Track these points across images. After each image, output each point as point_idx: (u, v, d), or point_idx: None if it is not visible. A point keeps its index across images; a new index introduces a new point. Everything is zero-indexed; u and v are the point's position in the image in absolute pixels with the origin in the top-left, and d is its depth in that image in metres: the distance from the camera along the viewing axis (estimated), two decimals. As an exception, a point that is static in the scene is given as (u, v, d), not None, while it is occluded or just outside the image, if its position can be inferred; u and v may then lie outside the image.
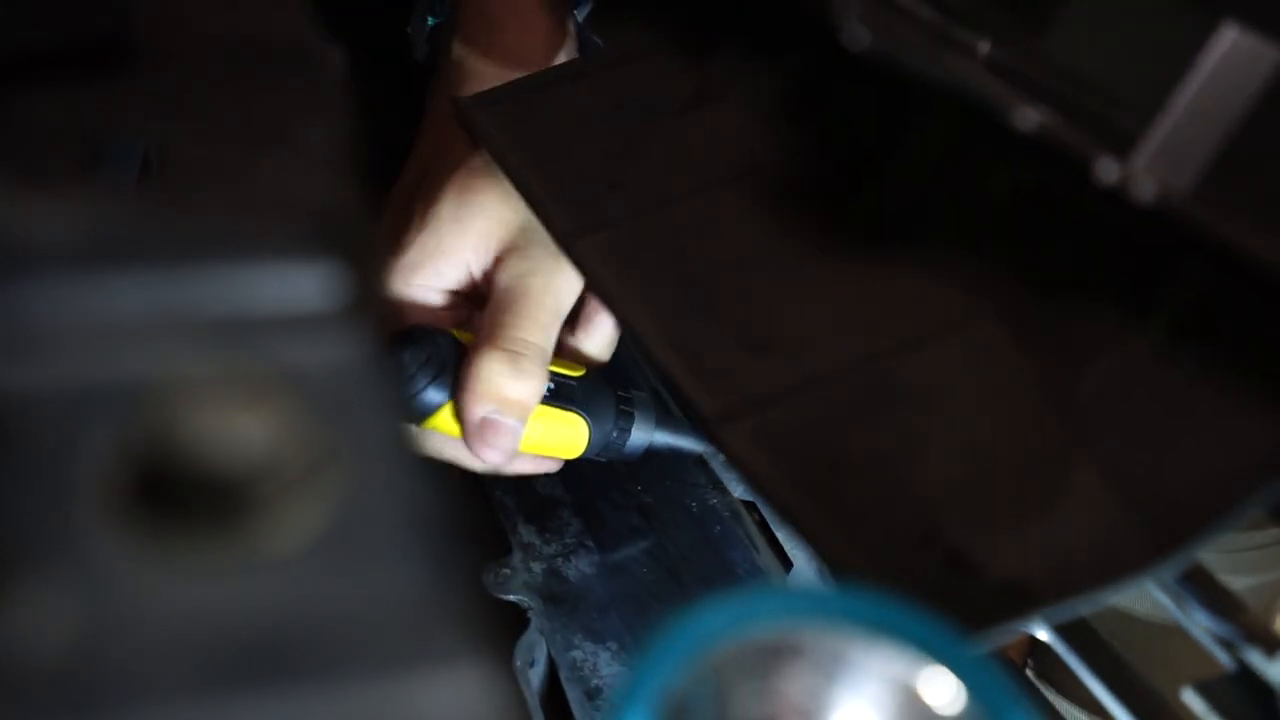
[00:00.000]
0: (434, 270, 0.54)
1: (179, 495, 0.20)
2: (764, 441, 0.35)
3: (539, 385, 0.51)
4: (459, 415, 0.51)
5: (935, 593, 0.31)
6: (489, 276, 0.54)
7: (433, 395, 0.52)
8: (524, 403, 0.51)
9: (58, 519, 0.19)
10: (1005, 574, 0.31)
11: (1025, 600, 0.31)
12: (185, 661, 0.18)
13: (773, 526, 0.59)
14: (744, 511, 0.62)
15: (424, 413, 0.52)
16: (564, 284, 0.52)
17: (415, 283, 0.54)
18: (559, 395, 0.54)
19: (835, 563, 0.33)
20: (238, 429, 0.20)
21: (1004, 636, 0.37)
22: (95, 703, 0.17)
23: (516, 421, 0.51)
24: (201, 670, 0.18)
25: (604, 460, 0.57)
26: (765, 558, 0.59)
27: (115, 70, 0.29)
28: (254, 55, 0.32)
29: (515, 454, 0.52)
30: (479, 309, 0.56)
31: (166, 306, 0.22)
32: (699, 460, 0.64)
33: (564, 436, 0.55)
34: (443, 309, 0.55)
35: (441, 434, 0.53)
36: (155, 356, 0.21)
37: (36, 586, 0.18)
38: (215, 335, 0.22)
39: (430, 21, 0.60)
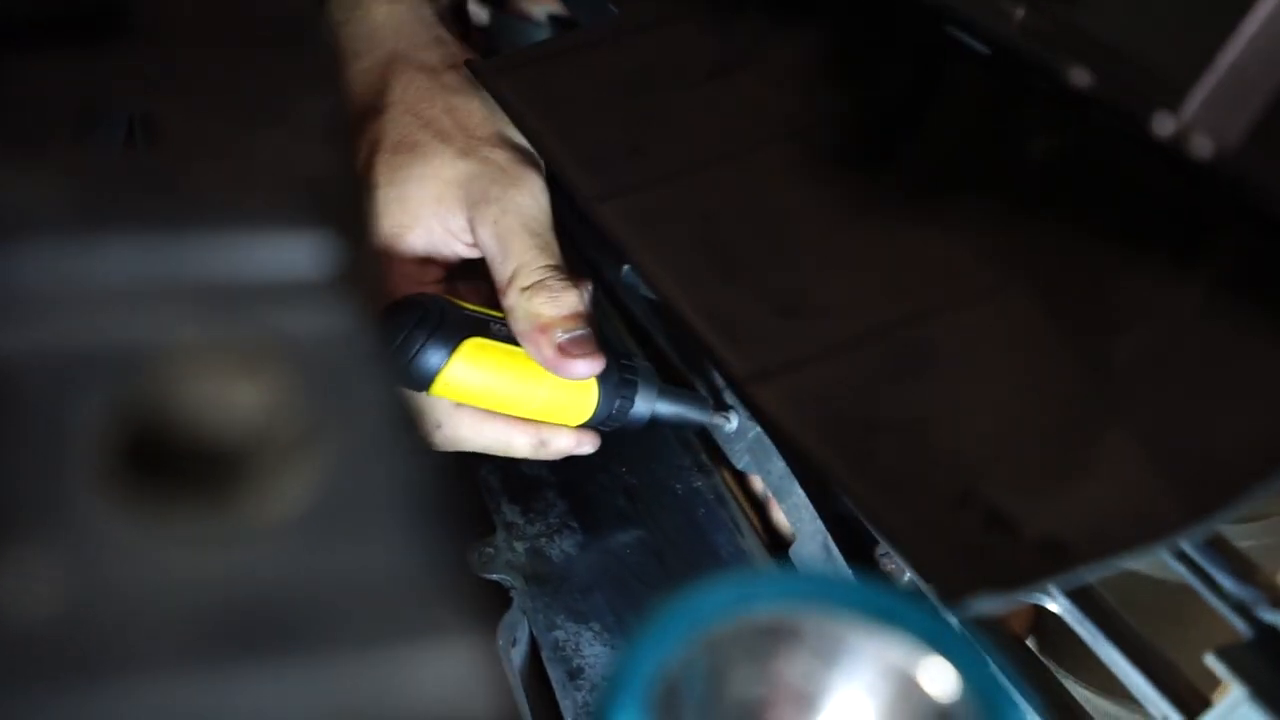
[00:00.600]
0: (404, 246, 0.55)
1: (170, 462, 0.20)
2: (797, 401, 0.36)
3: (576, 292, 0.52)
4: (538, 357, 0.52)
5: (974, 550, 0.31)
6: (472, 234, 0.54)
7: (431, 358, 0.51)
8: (576, 312, 0.52)
9: (48, 484, 0.19)
10: (1043, 532, 0.31)
11: (1063, 558, 0.31)
12: (174, 630, 0.18)
13: (775, 498, 0.59)
14: (729, 495, 0.62)
15: (424, 377, 0.51)
16: (533, 203, 0.52)
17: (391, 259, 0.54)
18: None
19: (873, 520, 0.33)
20: (229, 397, 0.20)
21: (1036, 594, 0.37)
22: (85, 670, 0.17)
23: (583, 329, 0.52)
24: (191, 639, 0.18)
25: (607, 430, 0.57)
26: (750, 541, 0.59)
27: (110, 40, 0.29)
28: (249, 26, 0.31)
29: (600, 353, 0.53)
30: (457, 270, 0.56)
31: (159, 273, 0.22)
32: (685, 443, 0.64)
33: (573, 398, 0.54)
34: (427, 280, 0.55)
35: (447, 401, 0.53)
36: (147, 323, 0.21)
37: (26, 552, 0.18)
38: (208, 302, 0.22)
39: None
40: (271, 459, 0.20)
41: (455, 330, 0.52)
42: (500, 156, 0.53)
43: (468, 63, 0.54)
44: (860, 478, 0.33)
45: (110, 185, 0.23)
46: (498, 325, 0.53)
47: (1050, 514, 0.31)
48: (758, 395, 0.35)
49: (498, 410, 0.54)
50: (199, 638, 0.18)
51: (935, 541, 0.31)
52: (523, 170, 0.53)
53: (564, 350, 0.51)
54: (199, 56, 0.30)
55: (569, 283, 0.52)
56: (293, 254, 0.23)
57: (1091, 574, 0.31)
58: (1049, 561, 0.30)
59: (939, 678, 0.28)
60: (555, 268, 0.52)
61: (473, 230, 0.54)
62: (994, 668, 0.41)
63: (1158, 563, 0.35)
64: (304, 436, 0.20)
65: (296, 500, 0.20)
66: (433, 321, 0.51)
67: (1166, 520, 0.30)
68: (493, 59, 0.52)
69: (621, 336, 0.66)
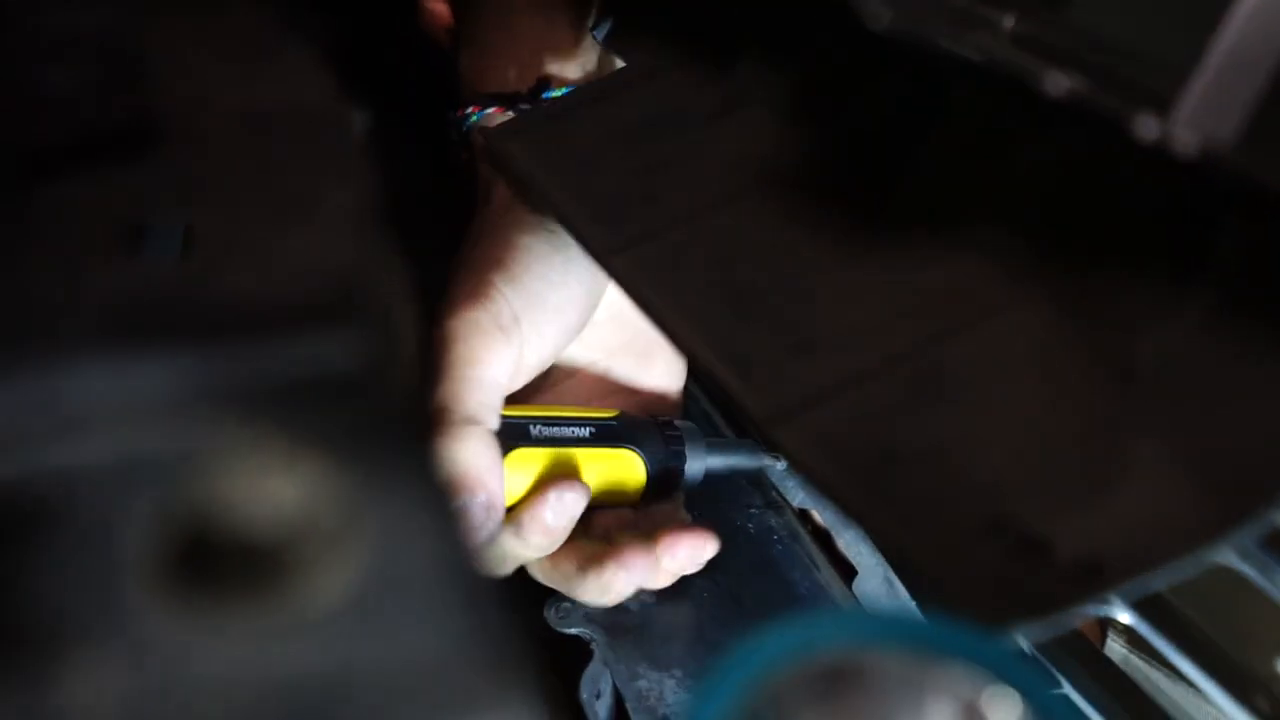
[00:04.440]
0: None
1: (217, 563, 0.20)
2: (818, 440, 0.35)
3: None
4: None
5: (1006, 579, 0.31)
6: None
7: None
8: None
9: (104, 591, 0.20)
10: (1075, 554, 0.31)
11: (1098, 579, 0.30)
12: (232, 725, 0.19)
13: (833, 532, 0.59)
14: (801, 530, 0.62)
15: None
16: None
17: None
18: (601, 437, 0.55)
19: (902, 559, 0.32)
20: (270, 496, 0.21)
21: (1077, 619, 0.36)
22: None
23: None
24: (249, 732, 0.19)
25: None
26: (826, 575, 0.59)
27: (145, 154, 0.30)
28: (276, 125, 0.33)
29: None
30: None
31: (198, 380, 0.23)
32: (752, 481, 0.64)
33: (621, 474, 0.55)
34: None
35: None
36: (189, 430, 0.22)
37: (85, 657, 0.19)
38: (246, 405, 0.23)
39: (474, 117, 0.60)
40: (314, 552, 0.21)
41: (501, 441, 0.51)
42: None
43: (480, 131, 0.55)
44: (883, 512, 0.33)
45: (149, 299, 0.24)
46: (538, 428, 0.53)
47: (1080, 534, 0.31)
48: (778, 437, 0.35)
49: None
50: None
51: (965, 572, 0.31)
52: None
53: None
54: (229, 160, 0.31)
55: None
56: (325, 350, 0.24)
57: (1134, 591, 0.30)
58: (1086, 583, 0.30)
59: (1007, 708, 0.28)
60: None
61: None
62: (1064, 692, 0.40)
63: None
64: (344, 527, 0.21)
65: (343, 590, 0.21)
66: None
67: (1203, 528, 0.29)
68: (502, 125, 0.53)
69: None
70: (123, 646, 0.19)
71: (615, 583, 0.52)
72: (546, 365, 0.54)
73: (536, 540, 0.51)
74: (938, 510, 0.33)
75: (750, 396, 0.37)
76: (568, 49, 0.59)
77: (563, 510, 0.51)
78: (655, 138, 0.48)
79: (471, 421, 0.49)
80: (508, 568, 0.53)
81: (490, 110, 0.58)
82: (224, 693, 0.19)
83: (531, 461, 0.53)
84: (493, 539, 0.50)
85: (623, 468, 0.54)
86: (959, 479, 0.33)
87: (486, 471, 0.48)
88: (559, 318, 0.54)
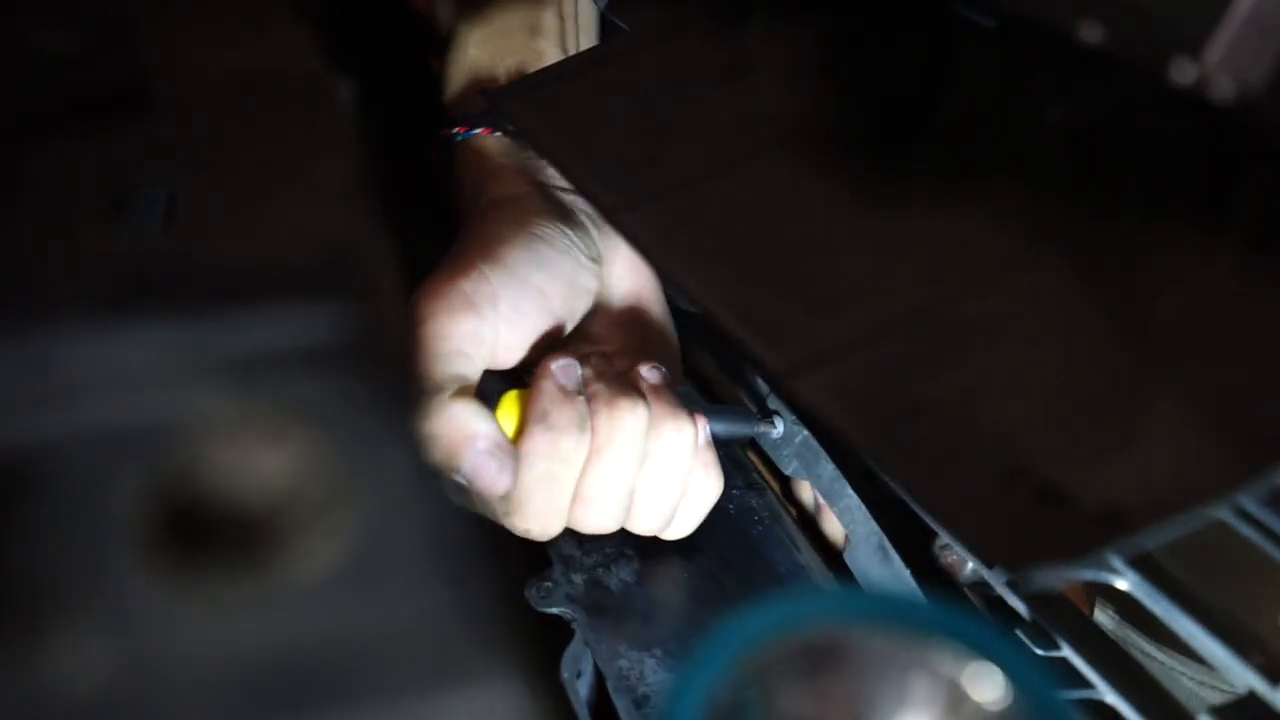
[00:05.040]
0: None
1: (205, 533, 0.20)
2: (836, 392, 0.36)
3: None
4: None
5: (1028, 527, 0.31)
6: None
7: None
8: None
9: (89, 562, 0.20)
10: (1096, 502, 0.31)
11: (1120, 526, 0.31)
12: (220, 695, 0.19)
13: (825, 501, 0.59)
14: (783, 511, 0.62)
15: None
16: None
17: None
18: None
19: (924, 504, 0.33)
20: (259, 465, 0.21)
21: (1092, 569, 0.37)
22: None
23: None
24: (236, 703, 0.19)
25: None
26: (807, 556, 0.59)
27: (134, 118, 0.30)
28: (265, 92, 0.32)
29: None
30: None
31: (186, 348, 0.23)
32: (734, 462, 0.64)
33: None
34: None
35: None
36: (177, 398, 0.22)
37: (71, 628, 0.18)
38: (234, 374, 0.22)
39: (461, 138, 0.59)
40: (303, 521, 0.20)
41: (495, 389, 0.52)
42: None
43: (483, 90, 0.54)
44: (907, 462, 0.33)
45: (137, 266, 0.24)
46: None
47: (1103, 483, 0.31)
48: (798, 389, 0.36)
49: None
50: (243, 701, 0.18)
51: (989, 519, 0.31)
52: None
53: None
54: (218, 127, 0.30)
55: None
56: (312, 319, 0.23)
57: (1152, 539, 0.31)
58: (1107, 530, 0.30)
59: (989, 684, 0.28)
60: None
61: None
62: (1048, 667, 0.41)
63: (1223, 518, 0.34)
64: (332, 497, 0.21)
65: (330, 560, 0.20)
66: (479, 389, 0.52)
67: (1222, 479, 0.30)
68: (506, 84, 0.53)
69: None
70: (109, 616, 0.19)
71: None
72: (527, 346, 0.54)
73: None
74: (959, 460, 0.33)
75: (768, 351, 0.37)
76: (553, 38, 0.59)
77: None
78: (663, 100, 0.48)
79: (448, 388, 0.49)
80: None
81: (478, 131, 0.58)
82: (209, 661, 0.19)
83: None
84: (511, 481, 0.49)
85: None
86: (979, 430, 0.33)
87: (473, 420, 0.48)
88: (541, 300, 0.53)
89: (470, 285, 0.51)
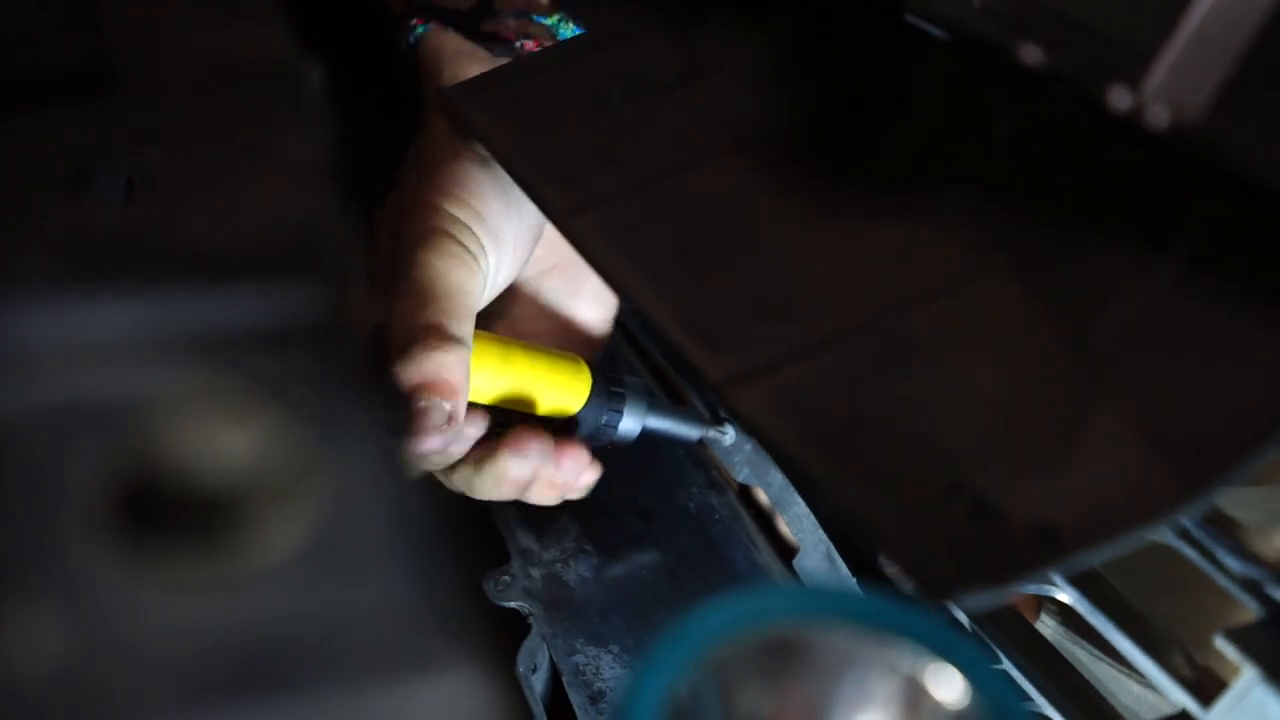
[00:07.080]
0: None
1: (166, 512, 0.20)
2: (777, 403, 0.35)
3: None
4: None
5: (963, 543, 0.31)
6: None
7: None
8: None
9: (46, 539, 0.19)
10: (1033, 520, 0.31)
11: (1055, 545, 0.30)
12: (176, 677, 0.18)
13: (776, 508, 0.59)
14: (742, 510, 0.62)
15: None
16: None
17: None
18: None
19: (860, 520, 0.32)
20: (222, 445, 0.20)
21: (1033, 583, 0.37)
22: None
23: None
24: (192, 685, 0.18)
25: (598, 446, 0.57)
26: (765, 555, 0.59)
27: (98, 95, 0.30)
28: (233, 74, 0.32)
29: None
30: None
31: (149, 325, 0.22)
32: (694, 460, 0.64)
33: (566, 391, 0.54)
34: None
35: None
36: (139, 375, 0.21)
37: (26, 607, 0.18)
38: (198, 352, 0.22)
39: (419, 30, 0.60)
40: (265, 503, 0.20)
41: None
42: None
43: (437, 89, 0.55)
44: (843, 476, 0.33)
45: (100, 242, 0.23)
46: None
47: (1040, 500, 0.31)
48: (735, 399, 0.35)
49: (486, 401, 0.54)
50: (200, 683, 0.18)
51: (922, 536, 0.31)
52: None
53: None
54: (185, 108, 0.30)
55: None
56: (280, 300, 0.23)
57: (1088, 560, 0.31)
58: (1041, 549, 0.30)
59: (948, 684, 0.28)
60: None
61: None
62: (1004, 669, 0.41)
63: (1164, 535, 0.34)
64: (296, 479, 0.20)
65: (292, 543, 0.20)
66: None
67: (1161, 498, 0.30)
68: (461, 83, 0.53)
69: (622, 353, 0.66)
70: (67, 595, 0.19)
71: (509, 469, 0.52)
72: (503, 290, 0.56)
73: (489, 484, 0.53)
74: (897, 475, 0.33)
75: (707, 359, 0.37)
76: None
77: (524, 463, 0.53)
78: (619, 101, 0.47)
79: (456, 339, 0.49)
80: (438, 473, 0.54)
81: (433, 25, 0.58)
82: (169, 643, 0.19)
83: (486, 354, 0.52)
84: (445, 448, 0.51)
85: (568, 384, 0.54)
86: (920, 445, 0.33)
87: (461, 385, 0.49)
88: (517, 249, 0.54)
89: (465, 241, 0.52)
